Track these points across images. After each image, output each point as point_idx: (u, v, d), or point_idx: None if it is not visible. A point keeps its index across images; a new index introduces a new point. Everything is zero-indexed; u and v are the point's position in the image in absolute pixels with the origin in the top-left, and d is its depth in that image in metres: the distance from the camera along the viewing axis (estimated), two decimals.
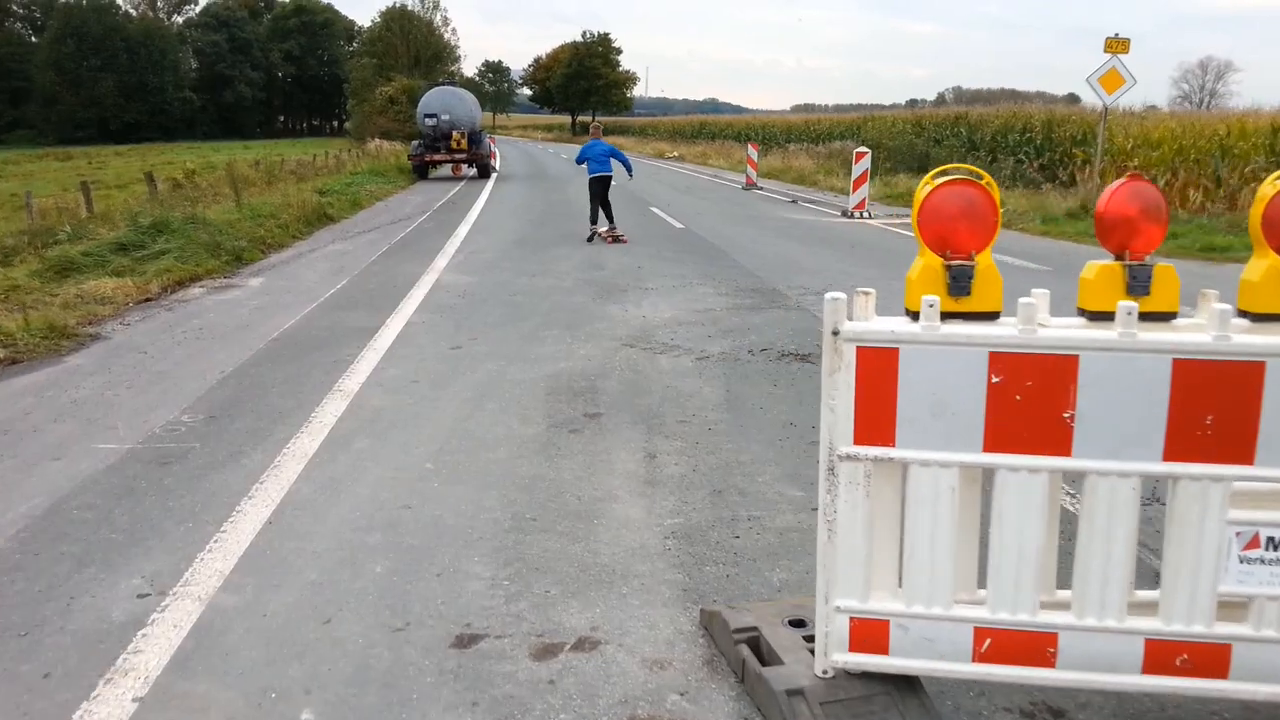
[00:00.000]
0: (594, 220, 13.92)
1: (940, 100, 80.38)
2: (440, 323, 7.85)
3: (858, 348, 2.33)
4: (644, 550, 3.56)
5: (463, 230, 14.86)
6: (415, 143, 29.23)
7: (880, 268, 11.08)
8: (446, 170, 30.49)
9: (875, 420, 2.35)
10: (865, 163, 17.36)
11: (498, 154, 36.20)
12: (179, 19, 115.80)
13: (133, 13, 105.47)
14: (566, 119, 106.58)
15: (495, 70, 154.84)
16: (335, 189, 21.00)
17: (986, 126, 28.87)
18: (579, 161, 14.13)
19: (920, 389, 2.31)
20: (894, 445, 2.35)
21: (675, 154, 50.61)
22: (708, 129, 63.62)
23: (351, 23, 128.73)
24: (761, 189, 25.04)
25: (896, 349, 2.31)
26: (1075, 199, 17.40)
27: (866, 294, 2.41)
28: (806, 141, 41.12)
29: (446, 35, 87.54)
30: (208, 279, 10.18)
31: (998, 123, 28.65)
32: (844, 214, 17.67)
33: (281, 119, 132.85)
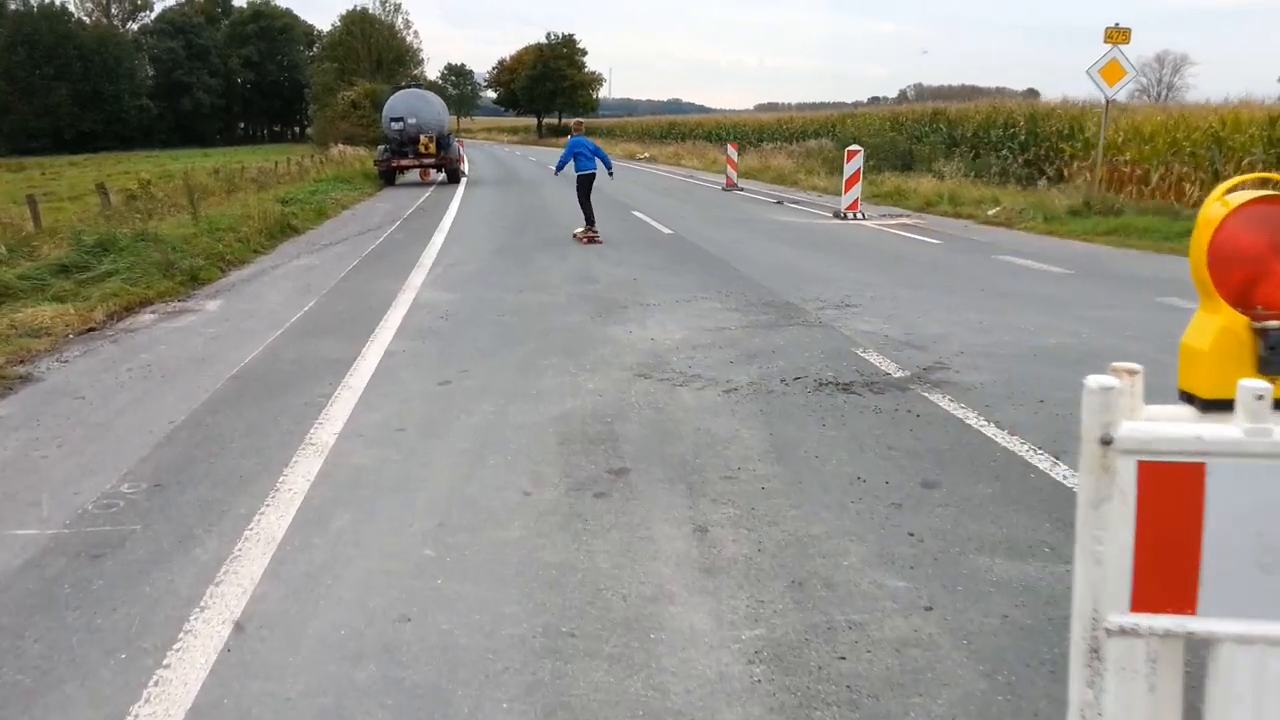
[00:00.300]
0: (591, 220, 13.80)
1: (902, 97, 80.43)
2: (424, 351, 6.95)
3: (1140, 463, 1.49)
4: (726, 683, 2.70)
5: (438, 239, 13.93)
6: (381, 148, 28.18)
7: (894, 276, 10.30)
8: (414, 176, 29.46)
9: (1167, 575, 1.51)
10: (858, 162, 16.61)
11: (465, 159, 35.16)
12: (134, 26, 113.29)
13: (86, 20, 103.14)
14: (532, 121, 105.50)
15: (458, 73, 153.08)
16: (299, 198, 19.94)
17: (967, 122, 28.30)
18: (566, 160, 13.83)
19: (1241, 524, 1.47)
20: (1195, 613, 1.51)
21: (646, 155, 49.81)
22: (677, 129, 62.89)
23: (311, 27, 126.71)
24: (742, 190, 24.27)
25: (1203, 464, 1.47)
26: (1076, 196, 16.76)
27: (1133, 373, 1.56)
28: (780, 140, 40.48)
29: (408, 38, 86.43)
30: (160, 303, 9.19)
31: (978, 118, 28.09)
32: (836, 215, 16.92)
33: (242, 126, 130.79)
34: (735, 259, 11.59)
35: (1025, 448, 4.64)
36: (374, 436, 4.99)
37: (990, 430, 4.92)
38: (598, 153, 14.01)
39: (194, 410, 5.55)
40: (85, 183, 33.16)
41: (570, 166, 13.83)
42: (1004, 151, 25.72)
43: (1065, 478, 4.22)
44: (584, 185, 13.84)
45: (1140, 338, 7.11)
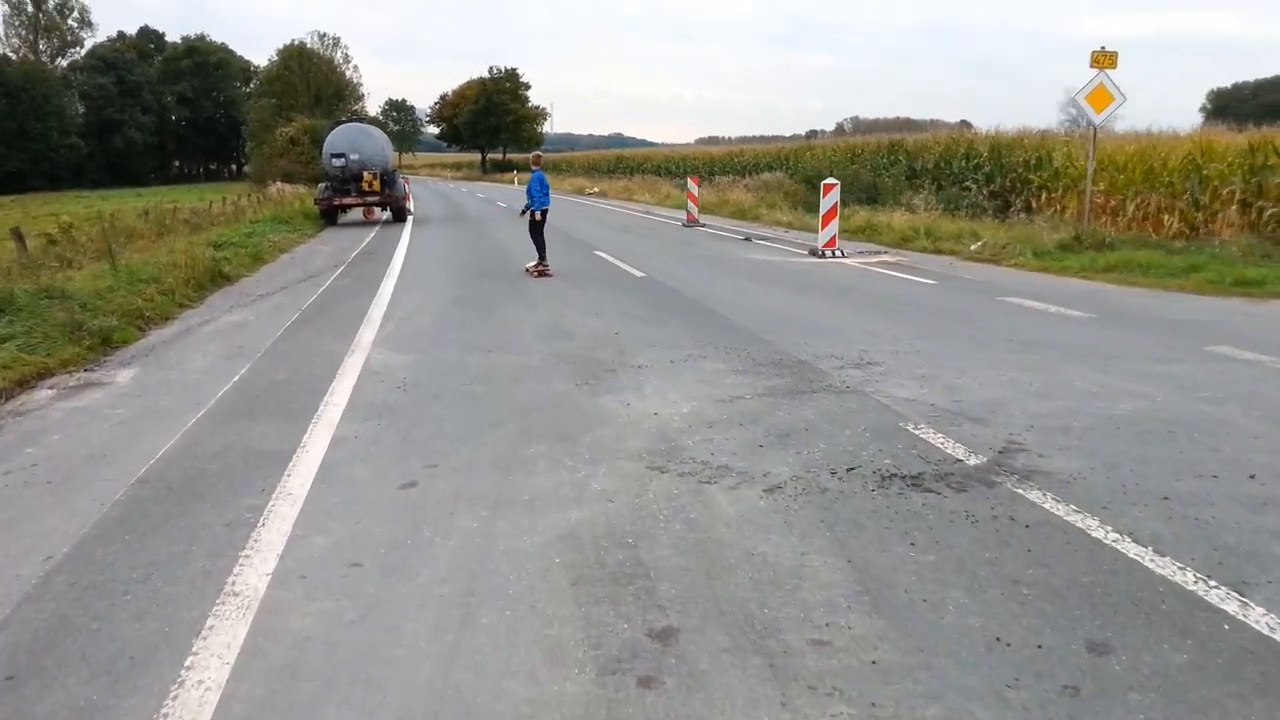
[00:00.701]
0: (543, 254, 13.81)
1: (839, 130, 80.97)
2: (381, 437, 5.68)
3: None
4: None
5: (388, 287, 12.64)
6: (322, 185, 26.77)
7: (904, 324, 9.27)
8: (357, 215, 28.08)
9: None
10: (834, 196, 15.69)
11: (411, 195, 33.82)
12: (63, 62, 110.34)
13: (12, 56, 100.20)
14: (476, 157, 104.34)
15: (399, 109, 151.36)
16: (233, 241, 18.49)
17: (927, 153, 27.76)
18: (537, 196, 13.89)
19: None
20: None
21: (596, 190, 48.91)
22: (625, 163, 62.19)
23: (248, 63, 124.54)
24: (705, 226, 23.31)
25: None
26: (1064, 229, 16.00)
27: None
28: (733, 173, 39.81)
29: (348, 73, 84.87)
30: (62, 374, 7.78)
31: (938, 149, 27.57)
32: (813, 253, 15.95)
33: (177, 164, 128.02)
34: (721, 305, 10.49)
35: (1190, 577, 3.54)
36: (320, 579, 3.72)
37: (1129, 547, 3.81)
38: (547, 188, 14.19)
39: (82, 537, 4.22)
40: (6, 226, 31.24)
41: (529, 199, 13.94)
42: (968, 183, 25.16)
43: (1272, 628, 3.12)
44: (537, 220, 13.85)
45: (1222, 400, 6.10)
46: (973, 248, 16.22)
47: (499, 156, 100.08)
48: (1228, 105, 64.63)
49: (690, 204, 23.84)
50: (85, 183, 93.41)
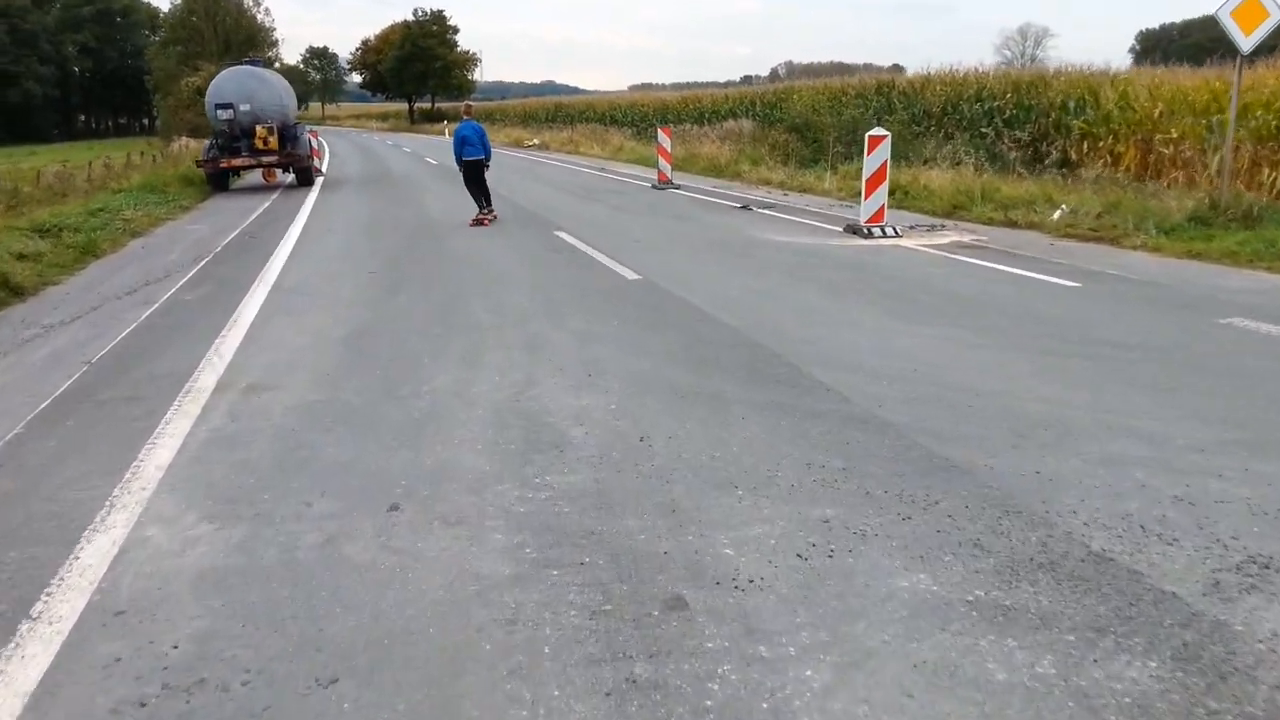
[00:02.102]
0: (482, 206, 13.74)
1: (774, 76, 76.93)
2: None
3: None
4: None
5: (252, 305, 8.26)
6: (207, 143, 21.82)
7: (1154, 397, 5.19)
8: (256, 178, 23.24)
9: None
10: (883, 153, 11.54)
11: (325, 152, 28.81)
12: None
13: None
14: (403, 106, 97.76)
15: (321, 56, 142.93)
16: (69, 221, 13.78)
17: (931, 96, 23.65)
18: (460, 149, 13.66)
19: None
20: None
21: (536, 141, 44.13)
22: (564, 111, 57.08)
23: (156, 11, 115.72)
24: (680, 188, 18.97)
25: None
26: (1193, 195, 12.07)
27: None
28: (689, 122, 35.37)
29: (260, 17, 77.82)
30: None
31: (942, 91, 23.50)
32: (853, 230, 11.83)
33: (83, 118, 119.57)
34: (795, 347, 6.33)
35: None
36: None
37: None
38: (482, 137, 13.78)
39: None
40: None
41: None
42: (981, 130, 21.19)
43: None
44: (471, 173, 13.65)
45: None
46: (1055, 217, 12.25)
47: (428, 106, 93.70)
48: (1155, 45, 62.48)
49: (662, 161, 19.48)
50: None
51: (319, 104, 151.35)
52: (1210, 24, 13.27)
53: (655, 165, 20.41)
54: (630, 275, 9.18)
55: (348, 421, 5.11)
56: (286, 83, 23.47)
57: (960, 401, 5.09)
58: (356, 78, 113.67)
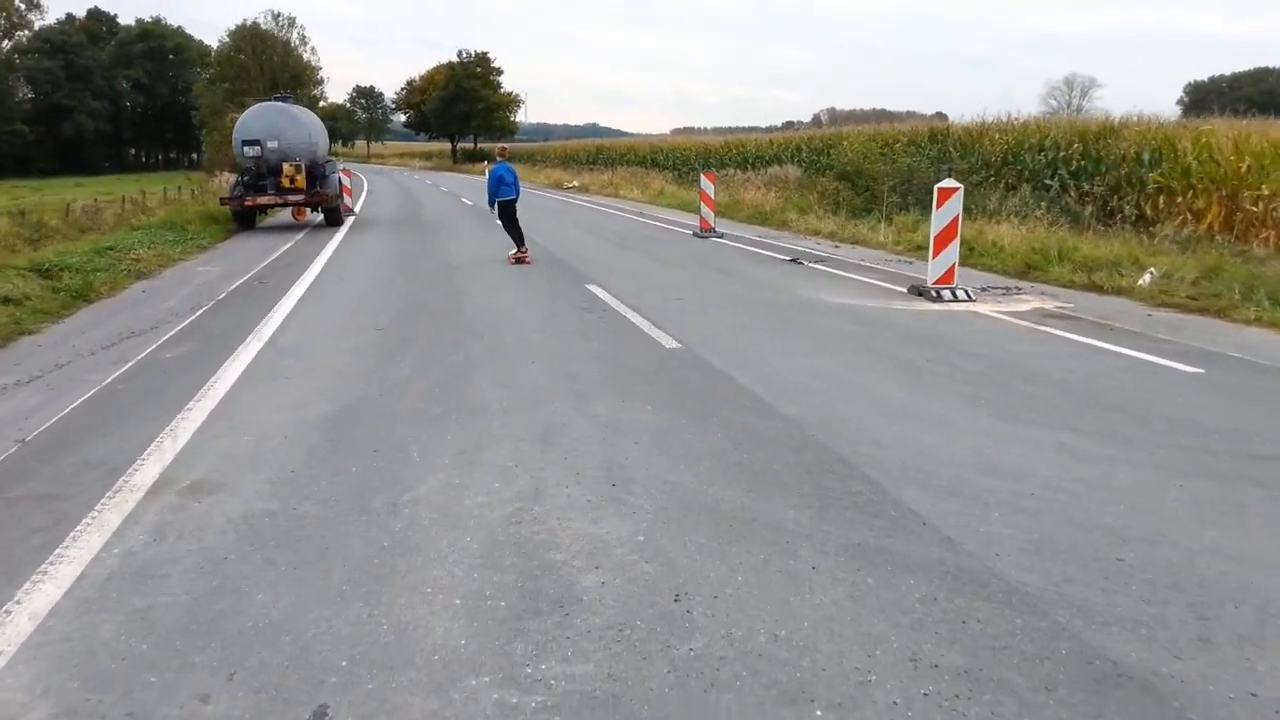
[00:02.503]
0: (521, 244, 13.95)
1: (816, 122, 76.17)
2: None
3: None
4: None
5: (236, 367, 7.17)
6: (234, 179, 21.07)
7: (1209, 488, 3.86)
8: (286, 216, 22.49)
9: None
10: (955, 206, 10.30)
11: (361, 189, 28.13)
12: (7, 44, 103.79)
13: None
14: (447, 146, 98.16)
15: (367, 96, 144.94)
16: (72, 261, 12.92)
17: (990, 145, 22.39)
18: (495, 191, 13.96)
19: None
20: None
21: (575, 183, 43.36)
22: (606, 154, 56.49)
23: (208, 49, 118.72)
24: (723, 236, 17.83)
25: None
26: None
27: None
28: (733, 167, 34.40)
29: (305, 55, 78.70)
30: None
31: (1002, 139, 22.23)
32: (918, 291, 10.57)
33: (133, 152, 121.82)
34: (886, 464, 5.07)
35: None
36: None
37: None
38: (515, 179, 14.24)
39: None
40: None
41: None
42: (1045, 182, 19.90)
43: None
44: (507, 212, 13.95)
45: None
46: (1144, 282, 10.92)
47: (470, 146, 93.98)
48: (1205, 98, 61.00)
49: (704, 208, 18.37)
50: (33, 171, 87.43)
51: (364, 142, 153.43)
52: (1261, 76, 11.99)
53: (697, 211, 19.32)
54: (669, 343, 7.99)
55: (296, 549, 3.93)
56: (318, 120, 22.77)
57: (1105, 552, 3.80)
58: (401, 117, 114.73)
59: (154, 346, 8.29)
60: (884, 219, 18.07)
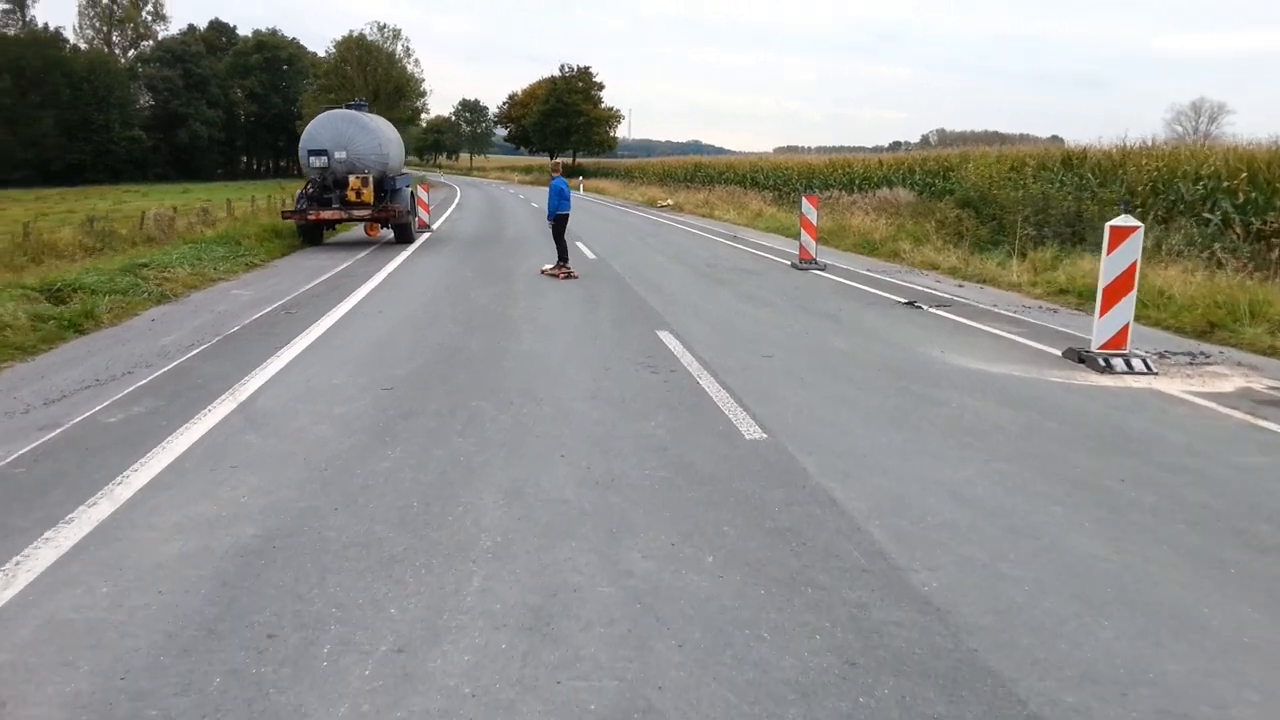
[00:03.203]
0: (565, 257, 14.37)
1: (925, 142, 72.69)
2: None
3: None
4: None
5: (172, 450, 5.40)
6: (299, 192, 19.77)
7: None
8: (359, 231, 21.17)
9: None
10: (1132, 251, 7.95)
11: (452, 202, 26.76)
12: (132, 53, 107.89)
13: (83, 46, 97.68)
14: (546, 160, 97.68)
15: (472, 109, 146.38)
16: (91, 280, 11.57)
17: (1138, 171, 19.59)
18: (556, 204, 14.29)
19: None
20: None
21: (670, 202, 41.50)
22: (704, 171, 54.43)
23: (320, 59, 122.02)
24: (825, 269, 15.64)
25: None
26: None
27: None
28: (837, 188, 32.03)
29: (409, 67, 78.96)
30: None
31: (1150, 165, 19.42)
32: (1077, 356, 8.25)
33: (245, 160, 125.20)
34: (1090, 696, 2.86)
35: None
36: None
37: None
38: (569, 193, 14.59)
39: None
40: (23, 219, 25.42)
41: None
42: (1205, 216, 17.11)
43: None
44: (560, 225, 14.43)
45: None
46: None
47: (569, 161, 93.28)
48: None
49: (805, 235, 16.20)
50: (150, 176, 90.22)
51: (468, 155, 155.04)
52: None
53: (796, 236, 17.18)
54: (750, 430, 5.90)
55: None
56: (391, 130, 21.35)
57: None
58: (502, 131, 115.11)
59: (105, 404, 6.60)
60: (1015, 253, 15.61)
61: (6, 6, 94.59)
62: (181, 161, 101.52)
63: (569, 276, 13.81)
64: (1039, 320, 10.84)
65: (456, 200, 42.72)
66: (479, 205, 39.72)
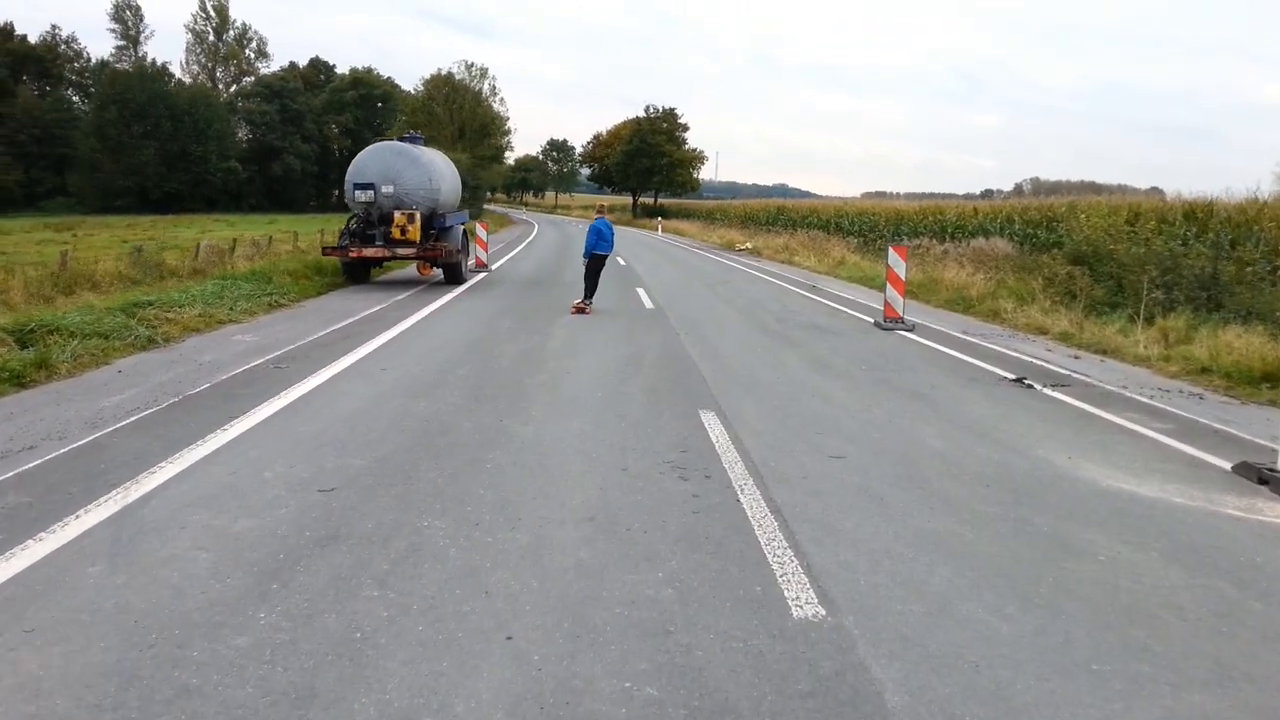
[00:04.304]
0: (589, 295, 14.86)
1: (1018, 191, 69.37)
2: None
3: None
4: None
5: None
6: (344, 228, 18.50)
7: None
8: (413, 270, 19.87)
9: None
10: None
11: (526, 237, 25.42)
12: (234, 88, 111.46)
13: (187, 81, 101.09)
14: (629, 200, 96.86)
15: (559, 149, 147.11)
16: (69, 323, 10.28)
17: (1275, 228, 17.03)
18: (594, 243, 14.81)
19: None
20: None
21: (748, 246, 39.67)
22: (786, 215, 52.40)
23: (413, 97, 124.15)
24: (914, 330, 13.58)
25: None
26: None
27: None
28: (927, 235, 29.78)
29: (495, 105, 79.06)
30: None
31: None
32: (1256, 476, 6.08)
33: (337, 193, 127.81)
34: None
35: None
36: None
37: None
38: (612, 234, 15.09)
39: None
40: (116, 245, 24.74)
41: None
42: None
43: None
44: (596, 264, 14.94)
45: None
46: None
47: (650, 201, 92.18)
48: None
49: (892, 290, 14.19)
50: (244, 207, 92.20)
51: (553, 193, 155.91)
52: None
53: (880, 288, 15.18)
54: (802, 602, 3.99)
55: None
56: (446, 164, 20.03)
57: None
58: (586, 170, 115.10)
59: None
60: (1140, 318, 13.33)
61: (120, 44, 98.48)
62: (275, 193, 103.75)
63: (579, 311, 14.31)
64: (1184, 410, 8.66)
65: (529, 238, 41.62)
66: (550, 244, 38.44)
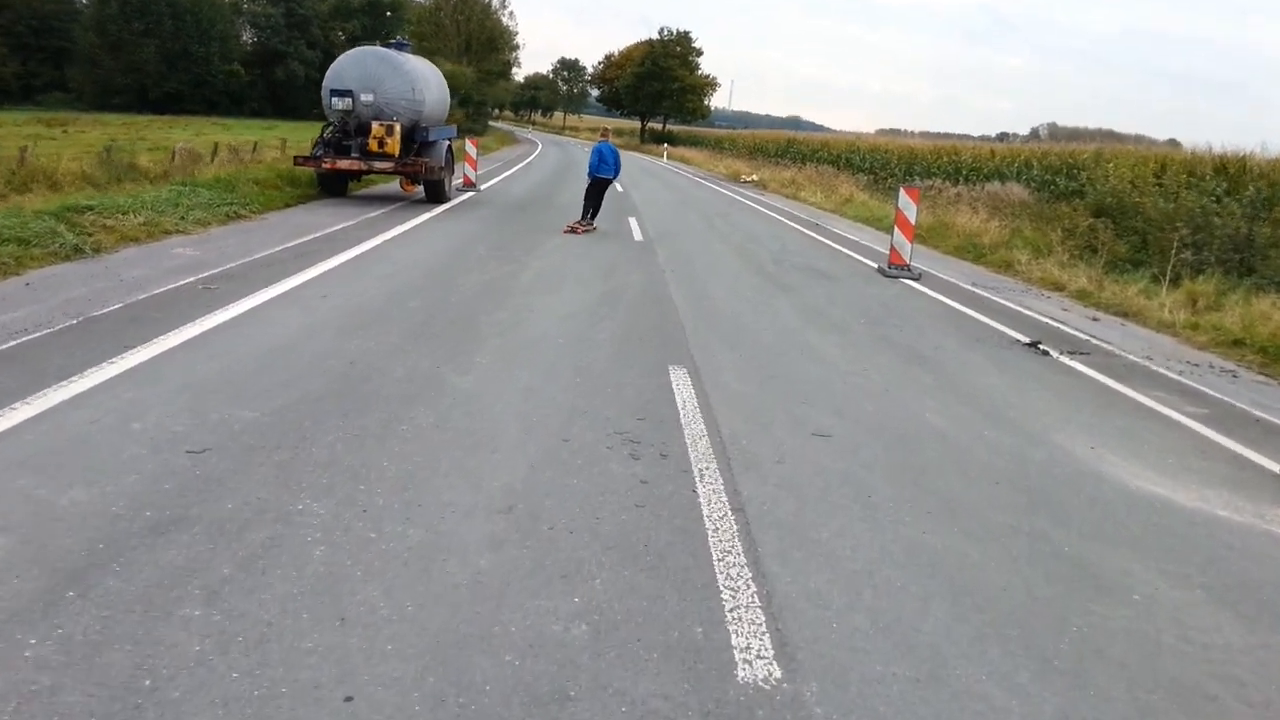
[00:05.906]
0: (588, 216, 14.86)
1: (1033, 135, 67.23)
2: None
3: None
4: None
5: None
6: (318, 137, 17.28)
7: None
8: (396, 184, 18.72)
9: None
10: None
11: (529, 156, 24.15)
12: None
13: None
14: (637, 125, 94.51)
15: (570, 68, 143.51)
16: (28, 229, 9.21)
17: None
18: (596, 164, 14.85)
19: None
20: None
21: (754, 177, 38.26)
22: (796, 148, 50.70)
23: (421, 7, 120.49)
24: (920, 277, 12.53)
25: None
26: None
27: None
28: (940, 177, 28.49)
29: (504, 19, 76.50)
30: None
31: None
32: None
33: None
34: None
35: None
36: None
37: None
38: (616, 158, 15.15)
39: None
40: (99, 144, 23.75)
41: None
42: None
43: None
44: (598, 188, 14.96)
45: None
46: None
47: (658, 127, 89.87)
48: None
49: (899, 234, 13.09)
50: (245, 111, 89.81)
51: (562, 113, 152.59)
52: None
53: (887, 230, 14.10)
54: (758, 657, 3.04)
55: None
56: (433, 74, 18.72)
57: None
58: (595, 91, 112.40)
59: None
60: (1165, 278, 12.28)
61: None
62: (278, 98, 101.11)
63: (571, 231, 14.24)
64: (1217, 391, 7.69)
65: (529, 158, 40.13)
66: (549, 164, 37.00)
